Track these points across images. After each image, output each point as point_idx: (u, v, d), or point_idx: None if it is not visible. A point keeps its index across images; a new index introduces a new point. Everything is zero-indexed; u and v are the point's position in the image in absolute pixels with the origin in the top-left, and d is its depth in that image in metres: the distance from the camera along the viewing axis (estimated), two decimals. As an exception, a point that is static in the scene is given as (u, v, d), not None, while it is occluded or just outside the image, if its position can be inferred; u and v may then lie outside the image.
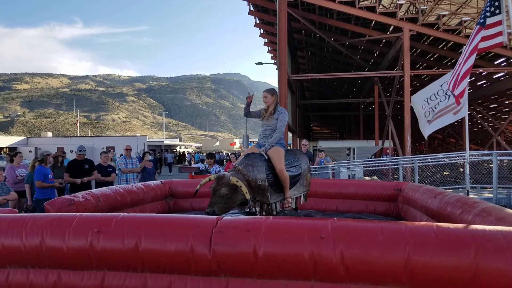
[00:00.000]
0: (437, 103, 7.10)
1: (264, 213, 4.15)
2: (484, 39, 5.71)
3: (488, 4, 5.77)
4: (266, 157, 4.24)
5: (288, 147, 4.50)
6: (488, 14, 5.69)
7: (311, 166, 4.76)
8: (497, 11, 5.61)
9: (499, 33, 5.58)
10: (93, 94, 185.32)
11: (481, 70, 16.74)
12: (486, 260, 2.14)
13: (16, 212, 3.84)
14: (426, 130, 7.44)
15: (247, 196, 3.76)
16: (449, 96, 6.82)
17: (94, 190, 4.79)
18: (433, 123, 7.22)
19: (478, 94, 22.13)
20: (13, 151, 8.24)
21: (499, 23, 5.57)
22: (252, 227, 2.47)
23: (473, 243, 2.19)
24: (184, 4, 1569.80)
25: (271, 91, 4.47)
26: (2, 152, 41.55)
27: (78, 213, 2.85)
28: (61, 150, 10.74)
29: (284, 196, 4.31)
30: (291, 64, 20.13)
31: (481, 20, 5.83)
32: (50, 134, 62.45)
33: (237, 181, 3.76)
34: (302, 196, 4.68)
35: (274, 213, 4.22)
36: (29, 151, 40.14)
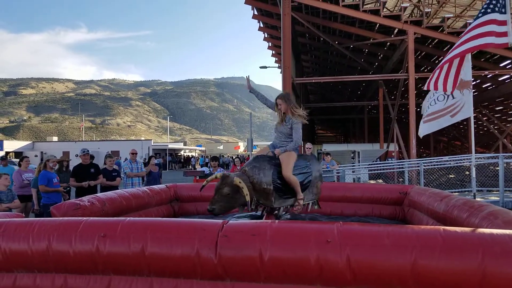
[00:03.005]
0: (433, 101, 7.03)
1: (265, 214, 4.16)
2: (491, 34, 5.63)
3: (490, 0, 5.71)
4: (277, 160, 4.21)
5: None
6: (496, 9, 5.62)
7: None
8: (503, 10, 5.56)
9: (504, 34, 5.52)
10: (98, 98, 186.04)
11: (486, 72, 16.67)
12: (493, 264, 2.12)
13: (23, 216, 3.86)
14: (421, 130, 7.37)
15: (247, 198, 3.78)
16: (448, 97, 6.77)
17: (99, 194, 4.80)
18: (430, 124, 7.16)
19: (484, 97, 22.03)
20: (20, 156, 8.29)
21: (504, 22, 5.52)
22: (258, 231, 2.47)
23: (480, 247, 2.17)
24: (187, 9, 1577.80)
25: (284, 97, 4.40)
26: (9, 157, 41.80)
27: (84, 218, 2.87)
28: (67, 155, 10.80)
29: (295, 201, 4.24)
30: (295, 68, 20.15)
31: (480, 14, 5.78)
32: (55, 138, 62.75)
33: (240, 182, 3.78)
34: (310, 204, 4.59)
35: (280, 218, 4.18)
36: (35, 156, 40.35)
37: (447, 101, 6.76)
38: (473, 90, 6.77)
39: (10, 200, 6.04)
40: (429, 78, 6.54)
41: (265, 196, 4.03)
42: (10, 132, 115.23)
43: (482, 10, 5.81)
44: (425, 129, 7.28)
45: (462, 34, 6.08)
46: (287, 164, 4.12)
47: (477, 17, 5.85)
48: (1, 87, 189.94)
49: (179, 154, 53.53)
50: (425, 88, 6.60)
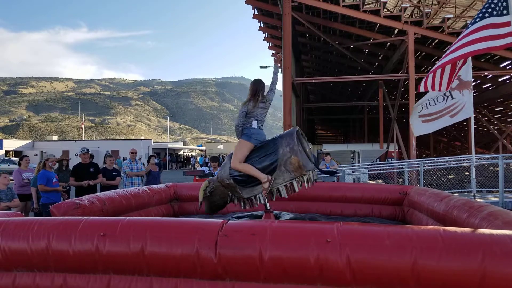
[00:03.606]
0: (433, 101, 7.03)
1: (247, 206, 4.24)
2: (493, 37, 5.62)
3: (491, 2, 5.69)
4: None
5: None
6: (494, 13, 5.60)
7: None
8: (505, 11, 5.54)
9: (509, 34, 5.50)
10: (98, 98, 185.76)
11: (486, 73, 16.67)
12: (493, 264, 2.12)
13: (23, 215, 3.86)
14: (417, 129, 7.36)
15: (200, 198, 4.31)
16: (447, 97, 6.77)
17: (99, 194, 4.81)
18: (429, 124, 7.15)
19: (484, 97, 22.03)
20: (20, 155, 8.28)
21: (507, 23, 5.50)
22: (258, 231, 2.47)
23: (480, 247, 2.17)
24: (187, 8, 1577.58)
25: (254, 83, 4.43)
26: (8, 156, 41.78)
27: (84, 217, 2.86)
28: (66, 154, 10.79)
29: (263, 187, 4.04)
30: (296, 68, 20.15)
31: (478, 18, 5.76)
32: (55, 137, 62.76)
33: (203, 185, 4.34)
34: (295, 183, 4.02)
35: (256, 205, 4.20)
36: (35, 155, 40.33)
37: (446, 102, 6.76)
38: (473, 91, 6.78)
39: (9, 199, 6.04)
40: (424, 80, 6.52)
41: (232, 190, 4.22)
42: (10, 131, 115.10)
43: (480, 15, 5.79)
44: (423, 129, 7.28)
45: (459, 37, 6.04)
46: (234, 154, 4.15)
47: (475, 22, 5.82)
48: (1, 86, 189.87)
49: (179, 153, 53.51)
50: (421, 90, 6.56)
